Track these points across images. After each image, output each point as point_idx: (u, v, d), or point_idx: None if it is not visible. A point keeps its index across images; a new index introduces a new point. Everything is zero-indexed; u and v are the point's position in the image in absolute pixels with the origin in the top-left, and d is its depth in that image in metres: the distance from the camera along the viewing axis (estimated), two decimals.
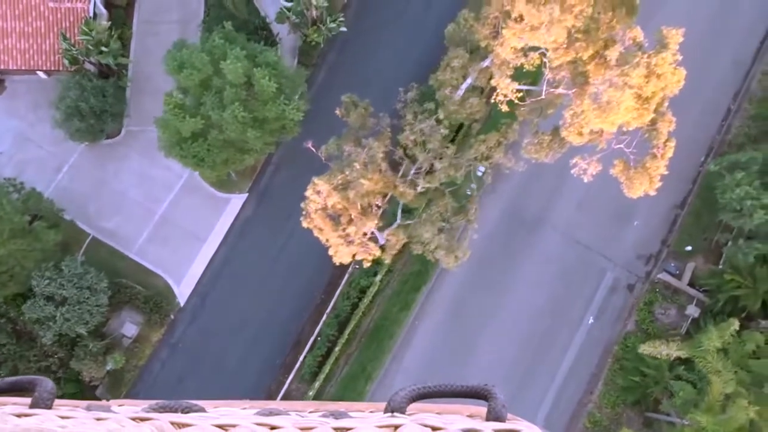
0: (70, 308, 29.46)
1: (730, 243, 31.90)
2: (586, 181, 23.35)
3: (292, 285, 33.88)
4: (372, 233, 27.82)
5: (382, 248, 24.89)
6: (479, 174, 32.86)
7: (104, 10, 37.74)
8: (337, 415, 2.25)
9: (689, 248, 34.04)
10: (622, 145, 22.60)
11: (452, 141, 29.49)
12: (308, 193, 22.71)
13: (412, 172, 23.70)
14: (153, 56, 36.35)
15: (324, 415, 2.27)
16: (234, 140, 30.10)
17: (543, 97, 22.27)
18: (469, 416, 2.25)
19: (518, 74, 24.14)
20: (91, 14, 35.82)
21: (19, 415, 2.01)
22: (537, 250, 34.33)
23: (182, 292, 34.20)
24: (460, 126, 30.51)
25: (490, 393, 2.20)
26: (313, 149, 24.90)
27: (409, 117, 23.57)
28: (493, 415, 2.14)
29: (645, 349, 28.63)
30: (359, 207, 22.65)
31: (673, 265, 34.04)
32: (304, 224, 23.35)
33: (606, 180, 35.24)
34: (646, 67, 19.10)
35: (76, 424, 1.99)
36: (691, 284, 33.33)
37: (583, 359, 33.25)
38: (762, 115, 35.42)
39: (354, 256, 23.38)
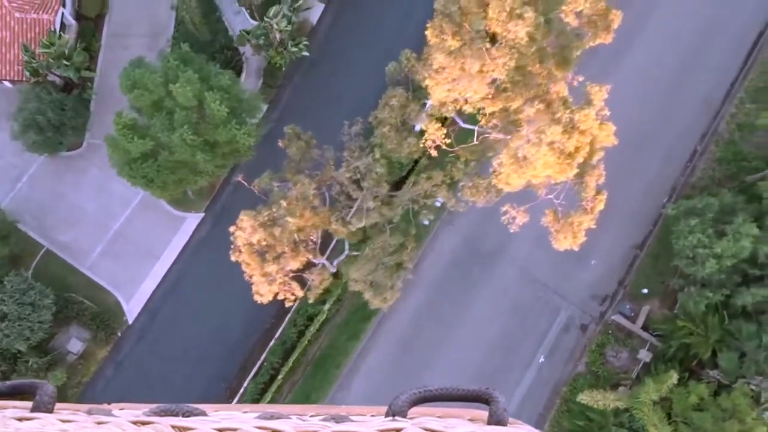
0: (9, 324, 29.24)
1: (685, 289, 31.39)
2: (512, 231, 22.94)
3: (242, 308, 33.44)
4: (319, 264, 27.53)
5: (308, 289, 24.56)
6: (437, 205, 32.55)
7: (73, 21, 37.68)
8: (338, 419, 2.26)
9: (645, 291, 33.56)
10: (551, 196, 22.24)
11: (405, 177, 29.09)
12: (232, 228, 22.45)
13: (349, 209, 23.38)
14: (120, 70, 36.15)
15: (325, 419, 2.28)
16: (185, 162, 29.88)
17: (476, 142, 21.95)
18: (471, 420, 2.26)
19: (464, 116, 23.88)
20: (58, 25, 35.77)
21: (20, 419, 2.03)
22: (493, 283, 33.92)
23: (131, 309, 33.95)
24: (416, 162, 30.19)
25: (491, 396, 2.19)
26: (244, 183, 24.63)
27: (346, 153, 23.26)
28: (495, 419, 2.15)
29: (583, 398, 28.15)
30: (291, 242, 22.33)
31: (628, 307, 33.57)
32: (233, 258, 23.09)
33: None
34: (564, 123, 18.66)
35: (77, 428, 2.02)
36: (644, 328, 32.84)
37: (531, 398, 32.77)
38: (727, 159, 34.97)
39: (276, 295, 23.08)
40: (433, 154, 21.73)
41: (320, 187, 24.51)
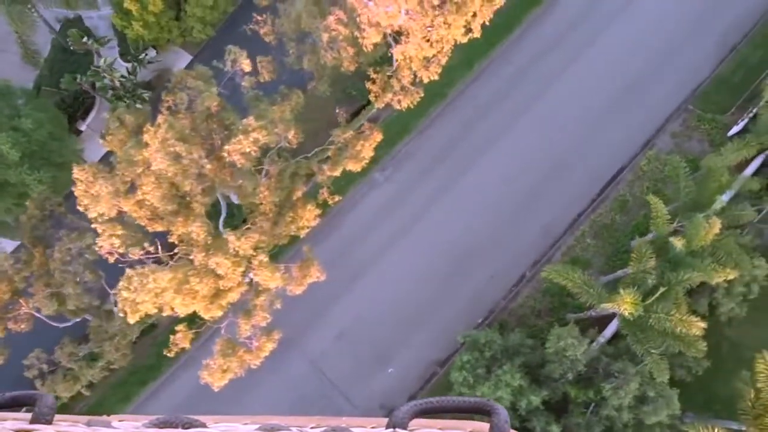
0: None
1: None
2: (168, 355, 22.14)
3: (33, 343, 33.12)
4: None
5: None
6: None
7: None
8: (339, 431, 2.26)
9: None
10: (220, 326, 21.46)
11: None
12: None
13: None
14: None
15: (326, 431, 2.27)
16: None
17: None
18: None
19: None
20: None
21: (19, 431, 2.02)
22: (281, 373, 33.01)
23: None
24: None
25: (492, 408, 2.20)
26: None
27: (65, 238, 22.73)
28: (496, 431, 2.14)
29: None
30: None
31: None
32: None
33: (376, 317, 34.08)
34: (199, 266, 17.96)
35: None
36: None
37: None
38: (553, 291, 33.77)
39: None
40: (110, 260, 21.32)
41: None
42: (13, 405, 2.29)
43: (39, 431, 2.05)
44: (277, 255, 32.75)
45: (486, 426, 2.18)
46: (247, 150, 17.52)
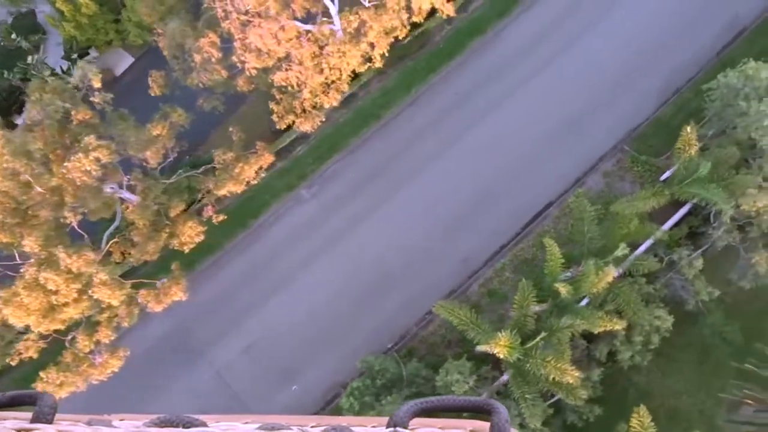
0: None
1: None
2: None
3: None
4: None
5: None
6: None
7: None
8: (339, 430, 2.32)
9: None
10: (66, 339, 21.55)
11: None
12: None
13: None
14: None
15: (326, 431, 2.33)
16: None
17: None
18: (472, 431, 2.31)
19: None
20: None
21: (19, 431, 2.06)
22: (187, 381, 33.15)
23: None
24: None
25: (493, 408, 2.23)
26: None
27: None
28: (496, 430, 2.19)
29: None
30: None
31: None
32: None
33: (287, 332, 34.05)
34: (26, 281, 18.12)
35: None
36: None
37: None
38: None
39: None
40: None
41: None
42: (14, 404, 2.26)
43: (40, 430, 2.05)
44: (192, 263, 32.95)
45: (486, 425, 2.19)
46: (88, 168, 17.66)
